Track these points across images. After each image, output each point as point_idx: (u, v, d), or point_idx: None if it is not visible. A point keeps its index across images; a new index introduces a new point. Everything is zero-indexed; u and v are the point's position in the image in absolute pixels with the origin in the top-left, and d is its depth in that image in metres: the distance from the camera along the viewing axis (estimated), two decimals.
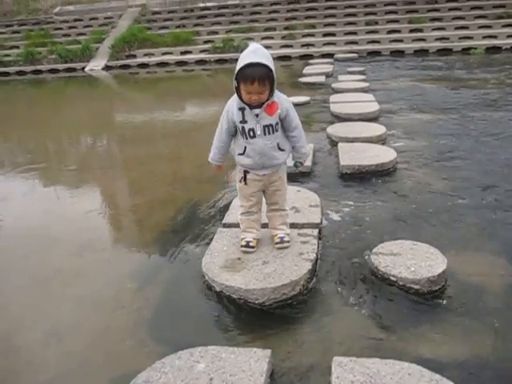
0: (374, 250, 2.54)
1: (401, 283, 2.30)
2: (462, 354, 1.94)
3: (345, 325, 2.15)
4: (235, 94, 2.34)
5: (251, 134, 2.36)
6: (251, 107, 2.32)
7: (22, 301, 2.65)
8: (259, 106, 2.31)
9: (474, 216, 3.11)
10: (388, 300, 2.28)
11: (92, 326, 2.35)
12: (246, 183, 2.51)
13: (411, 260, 2.41)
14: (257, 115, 2.32)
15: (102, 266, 2.96)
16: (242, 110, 2.33)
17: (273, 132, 2.37)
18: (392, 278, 2.33)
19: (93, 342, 2.25)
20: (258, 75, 2.19)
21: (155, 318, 2.37)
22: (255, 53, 2.22)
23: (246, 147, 2.40)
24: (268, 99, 2.30)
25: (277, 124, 2.37)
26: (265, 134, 2.36)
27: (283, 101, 2.37)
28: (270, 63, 2.22)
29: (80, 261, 3.03)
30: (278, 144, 2.42)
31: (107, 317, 2.43)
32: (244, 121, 2.34)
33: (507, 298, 2.28)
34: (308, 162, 4.07)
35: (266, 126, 2.34)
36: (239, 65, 2.22)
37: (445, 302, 2.25)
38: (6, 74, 15.35)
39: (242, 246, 2.60)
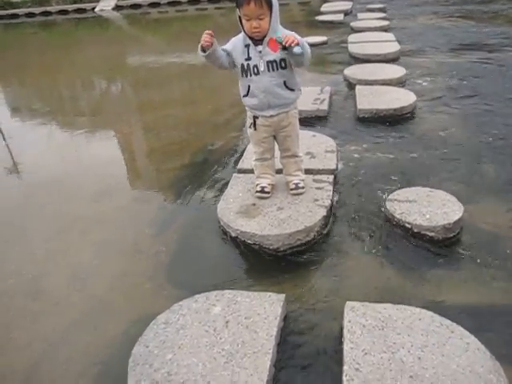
0: (390, 197, 2.53)
1: (416, 230, 2.30)
2: (475, 300, 1.96)
3: (358, 270, 2.19)
4: (241, 33, 2.30)
5: (255, 70, 2.31)
6: (255, 43, 2.28)
7: (46, 247, 2.74)
8: (262, 41, 2.26)
9: (494, 162, 3.04)
10: (403, 247, 2.29)
11: (112, 271, 2.44)
12: (255, 129, 2.49)
13: (427, 207, 2.40)
14: (260, 51, 2.28)
15: (120, 212, 3.01)
16: (247, 46, 2.30)
17: (277, 68, 2.31)
18: (407, 225, 2.33)
19: (114, 286, 2.33)
20: None
21: (173, 262, 2.44)
22: None
23: (249, 86, 2.36)
24: (269, 29, 2.23)
25: (282, 60, 2.29)
26: (268, 70, 2.30)
27: (288, 34, 2.28)
28: None
29: (98, 207, 3.09)
30: (284, 82, 2.35)
31: (127, 261, 2.50)
32: (248, 57, 2.30)
33: None
34: (324, 106, 3.99)
35: (270, 61, 2.29)
36: None
37: (460, 248, 2.26)
38: (16, 16, 15.04)
39: (256, 192, 2.61)
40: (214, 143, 3.82)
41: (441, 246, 2.28)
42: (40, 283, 2.42)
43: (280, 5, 2.28)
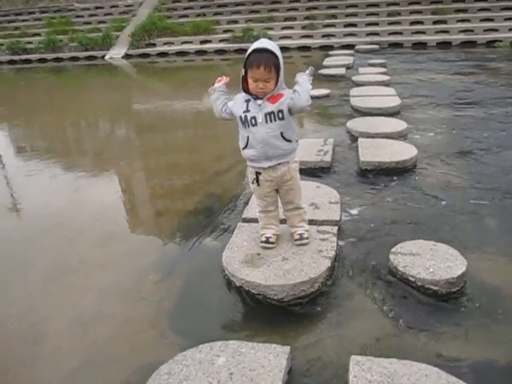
0: (393, 250, 2.55)
1: (419, 284, 2.31)
2: (480, 356, 1.95)
3: (363, 324, 2.18)
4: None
5: (253, 121, 2.38)
6: (256, 98, 2.38)
7: (48, 291, 2.73)
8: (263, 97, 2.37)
9: (495, 218, 3.09)
10: (406, 300, 2.29)
11: (115, 317, 2.43)
12: (258, 184, 2.53)
13: (430, 260, 2.42)
14: (259, 105, 2.37)
15: (124, 257, 3.03)
16: (247, 101, 2.41)
17: (275, 119, 2.36)
18: (410, 279, 2.34)
19: (115, 333, 2.32)
20: (264, 60, 2.25)
21: (176, 310, 2.43)
22: (262, 42, 2.32)
23: (248, 137, 2.42)
24: (274, 90, 2.34)
25: (280, 112, 2.36)
26: (266, 122, 2.37)
27: (288, 93, 2.39)
28: (277, 51, 2.30)
29: (102, 252, 3.11)
30: (281, 133, 2.40)
31: (129, 308, 2.50)
32: (247, 110, 2.39)
33: None
34: (328, 157, 4.08)
35: (268, 113, 2.36)
36: (247, 53, 2.29)
37: (464, 303, 2.26)
38: (28, 61, 15.58)
39: (261, 242, 2.64)
40: (218, 191, 3.88)
41: (445, 300, 2.28)
42: (40, 328, 2.40)
43: (283, 57, 2.38)
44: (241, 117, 2.42)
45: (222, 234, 3.12)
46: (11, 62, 15.72)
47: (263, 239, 2.63)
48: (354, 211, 3.22)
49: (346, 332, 2.14)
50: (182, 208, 3.69)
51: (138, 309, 2.49)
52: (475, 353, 1.98)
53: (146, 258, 3.00)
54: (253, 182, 2.56)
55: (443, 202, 3.31)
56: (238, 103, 2.45)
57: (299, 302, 2.32)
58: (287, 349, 1.88)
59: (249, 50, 2.30)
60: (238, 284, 2.42)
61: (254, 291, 2.36)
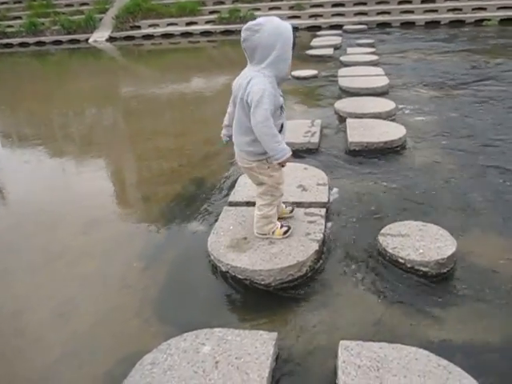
0: (382, 231, 2.51)
1: (409, 265, 2.27)
2: (471, 338, 1.92)
3: (351, 307, 2.14)
4: (261, 78, 2.11)
5: (283, 107, 2.27)
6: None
7: (29, 280, 2.65)
8: None
9: (485, 195, 3.05)
10: (396, 282, 2.25)
11: (98, 306, 2.36)
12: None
13: (420, 242, 2.37)
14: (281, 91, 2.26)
15: (108, 244, 2.94)
16: (275, 88, 2.18)
17: None
18: (400, 260, 2.30)
19: (99, 322, 2.25)
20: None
21: (161, 297, 2.37)
22: None
23: (282, 124, 2.27)
24: None
25: None
26: None
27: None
28: None
29: (86, 239, 3.02)
30: None
31: (113, 296, 2.43)
32: (281, 95, 2.25)
33: None
34: (315, 138, 4.00)
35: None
36: (291, 32, 2.12)
37: (454, 284, 2.22)
38: (10, 45, 15.15)
39: (285, 233, 2.48)
40: (205, 175, 3.79)
41: (435, 282, 2.24)
42: (21, 319, 2.33)
43: None
44: (282, 106, 2.24)
45: (208, 219, 3.05)
46: None
47: (285, 229, 2.50)
48: (343, 192, 3.16)
49: (334, 316, 2.09)
50: (168, 192, 3.59)
51: (123, 297, 2.42)
52: (466, 334, 1.94)
53: (130, 244, 2.92)
54: (278, 169, 2.35)
55: (433, 182, 3.26)
56: (275, 92, 2.15)
57: (287, 286, 2.27)
58: (274, 335, 1.83)
59: (289, 29, 2.11)
60: (223, 269, 2.36)
61: (240, 276, 2.30)
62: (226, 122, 2.48)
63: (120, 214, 3.44)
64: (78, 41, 14.66)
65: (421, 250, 2.30)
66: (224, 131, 2.51)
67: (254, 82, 2.10)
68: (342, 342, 1.77)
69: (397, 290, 2.21)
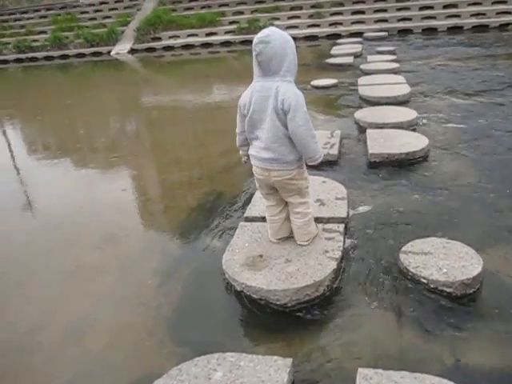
0: (404, 249, 2.40)
1: (432, 286, 2.16)
2: (498, 365, 1.80)
3: (370, 330, 2.04)
4: (289, 85, 2.19)
5: None
6: None
7: (44, 296, 2.64)
8: None
9: (509, 212, 2.91)
10: (418, 304, 2.14)
11: (112, 325, 2.32)
12: None
13: (443, 260, 2.26)
14: None
15: (124, 260, 2.92)
16: None
17: None
18: (423, 280, 2.19)
19: (112, 342, 2.21)
20: None
21: (175, 316, 2.32)
22: None
23: None
24: None
25: None
26: None
27: None
28: None
29: (102, 255, 3.00)
30: None
31: (127, 315, 2.39)
32: None
33: None
34: (335, 150, 3.92)
35: None
36: (291, 38, 2.21)
37: (480, 306, 2.10)
38: (35, 59, 15.52)
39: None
40: (223, 187, 3.74)
41: (460, 303, 2.12)
42: (34, 336, 2.31)
43: None
44: None
45: (224, 234, 2.99)
46: (18, 60, 15.66)
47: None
48: (362, 207, 3.07)
49: (353, 339, 2.00)
50: (185, 206, 3.56)
51: (136, 315, 2.38)
52: (493, 362, 1.83)
53: (145, 260, 2.89)
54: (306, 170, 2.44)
55: (457, 196, 3.13)
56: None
57: (303, 306, 2.19)
58: (289, 361, 1.75)
59: (290, 36, 2.21)
60: (238, 288, 2.29)
61: (255, 296, 2.23)
62: (238, 142, 2.49)
63: (136, 228, 3.42)
64: (100, 53, 14.93)
65: (444, 270, 2.19)
66: (240, 152, 2.54)
67: (285, 89, 2.14)
68: (360, 369, 1.68)
69: (419, 312, 2.10)
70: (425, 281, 2.18)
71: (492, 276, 2.27)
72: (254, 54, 2.15)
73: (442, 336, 1.96)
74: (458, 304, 2.12)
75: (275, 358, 1.77)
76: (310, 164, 2.31)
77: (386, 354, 1.89)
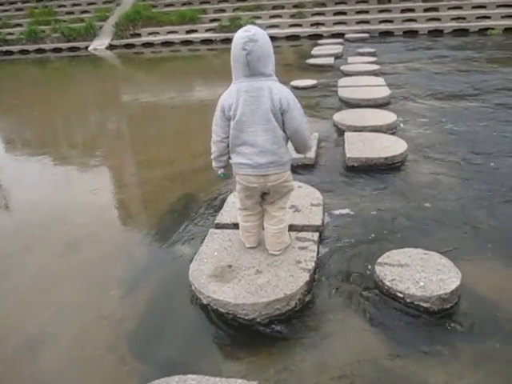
0: (380, 260, 2.29)
1: (408, 300, 2.06)
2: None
3: (345, 347, 1.93)
4: (278, 84, 2.12)
5: None
6: None
7: None
8: None
9: (490, 218, 2.84)
10: (394, 319, 2.04)
11: (69, 340, 2.16)
12: None
13: (420, 272, 2.16)
14: None
15: (87, 268, 2.74)
16: None
17: None
18: (398, 294, 2.09)
19: (69, 358, 2.06)
20: None
21: (138, 331, 2.17)
22: None
23: None
24: None
25: None
26: None
27: None
28: None
29: (63, 262, 2.83)
30: None
31: (87, 329, 2.23)
32: None
33: None
34: (312, 154, 3.81)
35: None
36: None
37: (458, 321, 2.01)
38: (10, 52, 15.09)
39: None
40: (195, 191, 3.60)
41: (437, 318, 2.03)
42: None
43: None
44: None
45: (194, 241, 2.85)
46: None
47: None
48: (338, 214, 2.96)
49: (326, 357, 1.89)
50: (154, 211, 3.41)
51: (97, 329, 2.22)
52: (471, 380, 1.73)
53: (110, 269, 2.72)
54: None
55: (434, 204, 3.05)
56: None
57: (274, 321, 2.06)
58: None
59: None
60: (205, 302, 2.16)
61: (222, 310, 2.09)
62: (216, 152, 2.27)
63: (101, 233, 3.23)
64: (77, 48, 14.59)
65: (421, 283, 2.09)
66: (215, 164, 2.32)
67: (279, 89, 2.08)
68: None
69: (395, 328, 1.99)
70: (401, 295, 2.08)
71: (470, 289, 2.18)
72: (243, 52, 1.98)
73: (418, 353, 1.86)
74: (435, 319, 2.02)
75: (239, 381, 1.64)
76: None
77: (362, 373, 1.79)
